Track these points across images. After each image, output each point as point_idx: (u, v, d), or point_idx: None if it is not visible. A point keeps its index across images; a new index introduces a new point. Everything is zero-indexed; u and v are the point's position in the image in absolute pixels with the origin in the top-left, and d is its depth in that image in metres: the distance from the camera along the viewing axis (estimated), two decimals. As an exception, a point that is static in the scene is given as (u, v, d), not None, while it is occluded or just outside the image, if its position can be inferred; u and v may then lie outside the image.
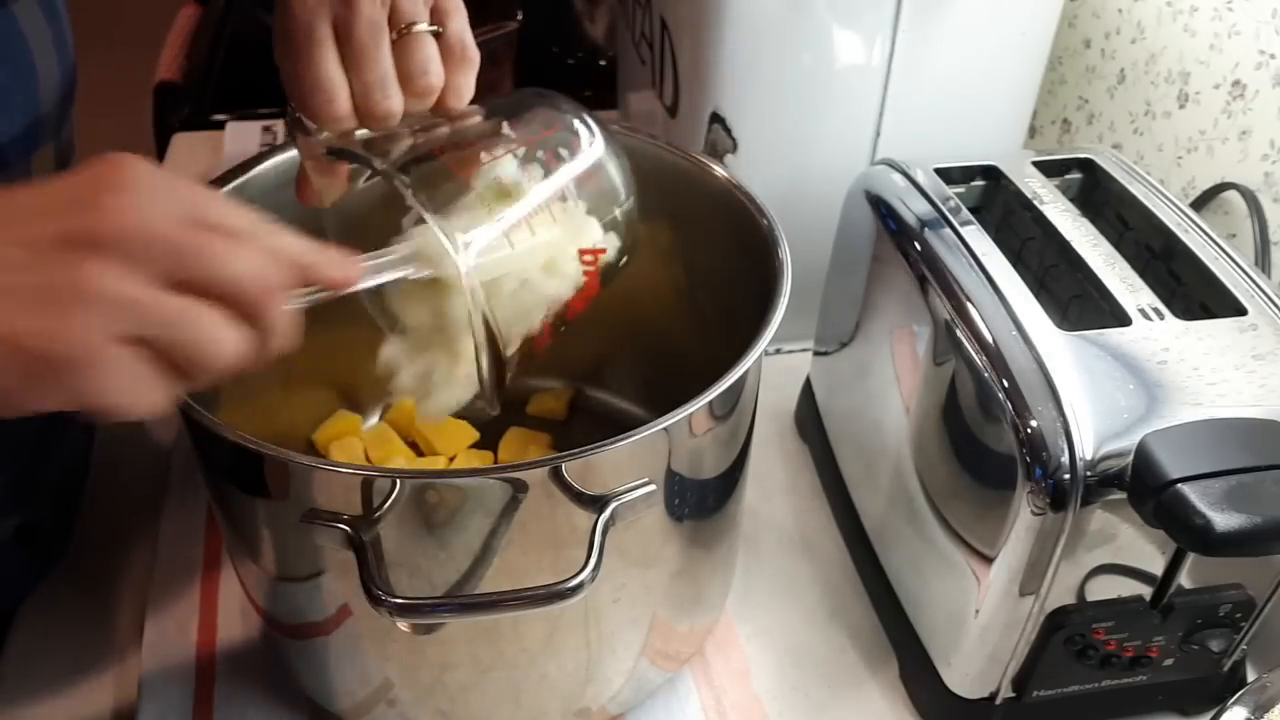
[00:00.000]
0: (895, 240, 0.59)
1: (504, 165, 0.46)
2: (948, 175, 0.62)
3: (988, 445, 0.50)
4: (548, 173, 0.47)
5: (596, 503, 0.43)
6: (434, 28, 0.47)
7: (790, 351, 0.82)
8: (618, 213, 0.49)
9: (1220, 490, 0.44)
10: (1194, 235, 0.57)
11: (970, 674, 0.55)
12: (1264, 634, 0.54)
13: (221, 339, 0.35)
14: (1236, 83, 0.70)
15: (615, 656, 0.53)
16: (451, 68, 0.47)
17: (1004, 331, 0.50)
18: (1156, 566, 0.51)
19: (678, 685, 0.60)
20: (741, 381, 0.47)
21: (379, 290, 0.47)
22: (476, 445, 0.68)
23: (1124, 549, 0.50)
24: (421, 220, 0.43)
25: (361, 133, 0.46)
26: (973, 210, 0.59)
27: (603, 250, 0.49)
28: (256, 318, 0.36)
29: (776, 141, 0.74)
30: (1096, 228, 0.57)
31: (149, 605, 0.62)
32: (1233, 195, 0.70)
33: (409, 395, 0.49)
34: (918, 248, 0.57)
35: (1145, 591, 0.52)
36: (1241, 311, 0.52)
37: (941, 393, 0.54)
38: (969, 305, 0.52)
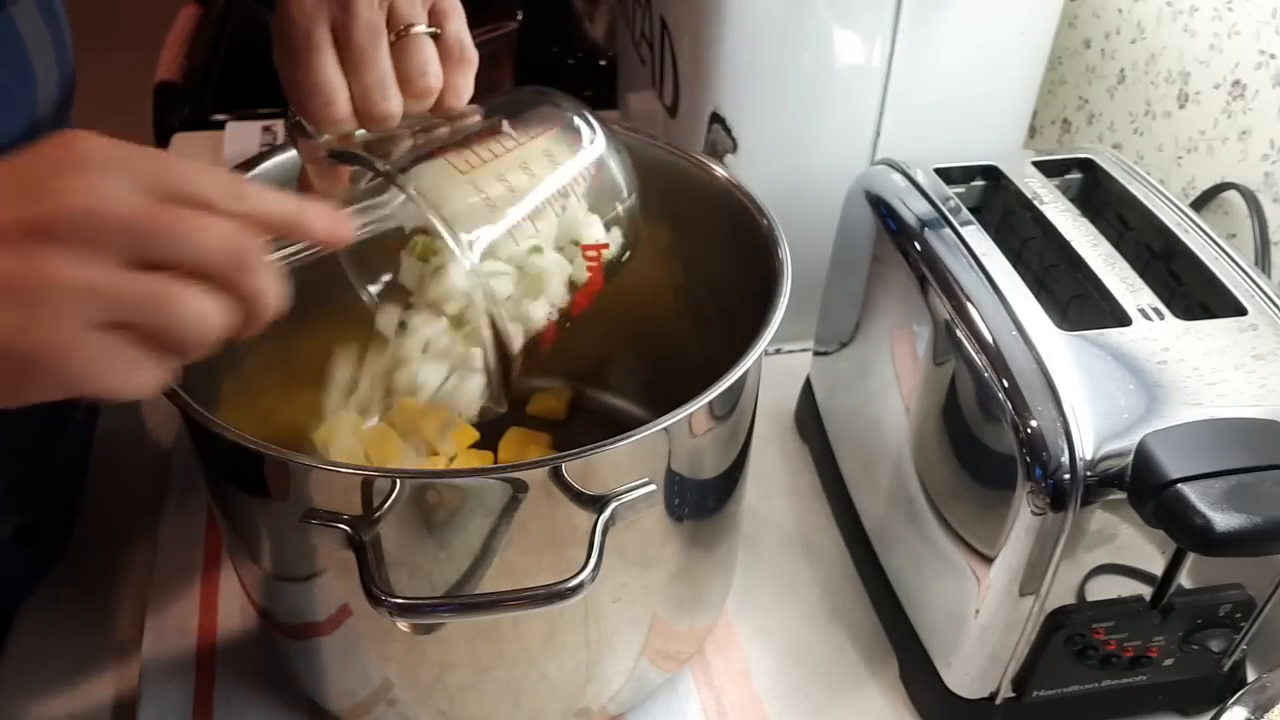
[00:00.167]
0: (895, 240, 0.59)
1: (505, 164, 0.46)
2: (948, 175, 0.62)
3: (988, 445, 0.50)
4: (549, 170, 0.47)
5: (596, 503, 0.43)
6: (432, 29, 0.47)
7: (790, 351, 0.82)
8: (620, 208, 0.49)
9: (1220, 490, 0.44)
10: (1194, 235, 0.57)
11: (970, 674, 0.55)
12: (1264, 634, 0.54)
13: (201, 313, 0.33)
14: (1236, 83, 0.70)
15: (615, 656, 0.53)
16: (450, 68, 0.47)
17: (1004, 331, 0.50)
18: (1156, 566, 0.51)
19: (678, 685, 0.60)
20: (741, 381, 0.47)
21: (383, 284, 0.47)
22: (476, 445, 0.68)
23: (1124, 549, 0.50)
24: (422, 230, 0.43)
25: (362, 134, 0.47)
26: (973, 210, 0.59)
27: (605, 245, 0.49)
28: (234, 286, 0.34)
29: (776, 141, 0.74)
30: (1096, 228, 0.57)
31: (149, 605, 0.62)
32: (1233, 195, 0.70)
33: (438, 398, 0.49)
34: (918, 248, 0.57)
35: (1145, 591, 0.52)
36: (1241, 311, 0.52)
37: (941, 393, 0.54)
38: (969, 305, 0.52)
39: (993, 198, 0.64)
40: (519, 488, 0.43)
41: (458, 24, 0.48)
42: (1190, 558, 0.50)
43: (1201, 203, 0.72)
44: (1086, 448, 0.46)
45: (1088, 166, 0.64)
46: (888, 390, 0.60)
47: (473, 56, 0.48)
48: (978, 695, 0.55)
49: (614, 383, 0.74)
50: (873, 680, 0.61)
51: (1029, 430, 0.47)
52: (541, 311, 0.47)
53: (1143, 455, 0.46)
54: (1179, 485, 0.44)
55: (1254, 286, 0.53)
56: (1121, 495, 0.46)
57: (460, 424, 0.64)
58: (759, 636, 0.63)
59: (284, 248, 0.38)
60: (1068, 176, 0.64)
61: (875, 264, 0.62)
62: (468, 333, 0.47)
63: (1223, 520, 0.43)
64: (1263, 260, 0.67)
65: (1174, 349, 0.49)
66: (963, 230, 0.57)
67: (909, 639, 0.59)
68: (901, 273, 0.58)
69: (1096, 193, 0.64)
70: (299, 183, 0.49)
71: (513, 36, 1.12)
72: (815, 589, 0.66)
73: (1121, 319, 0.51)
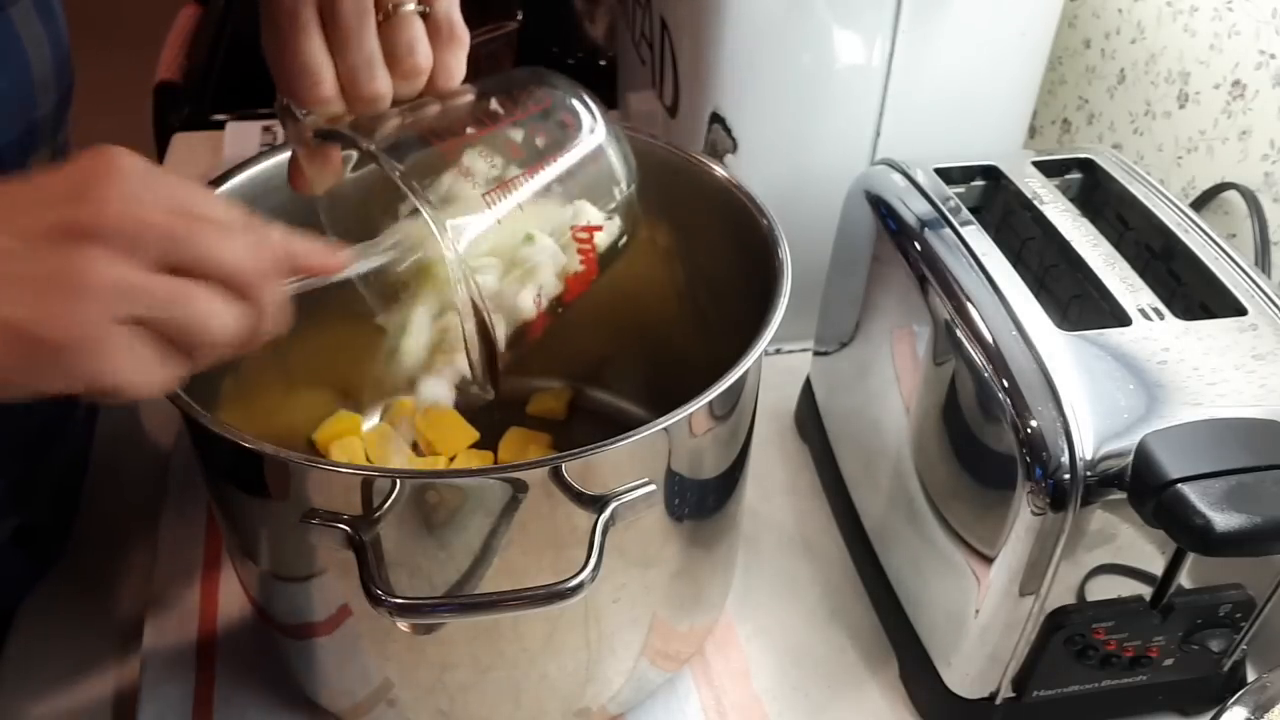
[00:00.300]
0: (895, 240, 0.59)
1: (494, 145, 0.45)
2: (948, 175, 0.62)
3: (988, 445, 0.50)
4: (542, 153, 0.46)
5: (596, 503, 0.43)
6: (421, 8, 0.46)
7: (790, 351, 0.82)
8: (616, 193, 0.48)
9: (1220, 490, 0.44)
10: (1194, 235, 0.57)
11: (970, 674, 0.55)
12: (1264, 634, 0.54)
13: (218, 317, 0.36)
14: (1236, 83, 0.70)
15: (615, 656, 0.53)
16: (440, 47, 0.47)
17: (1004, 331, 0.50)
18: (1156, 566, 0.51)
19: (678, 685, 0.60)
20: (741, 381, 0.47)
21: (374, 277, 0.46)
22: (476, 445, 0.68)
23: (1124, 549, 0.50)
24: (415, 209, 0.42)
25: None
26: (973, 210, 0.59)
27: (598, 228, 0.48)
28: (250, 297, 0.37)
29: (776, 141, 0.74)
30: (1096, 228, 0.57)
31: (149, 605, 0.62)
32: (1233, 195, 0.70)
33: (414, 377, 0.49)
34: (918, 248, 0.57)
35: (1145, 591, 0.52)
36: (1241, 311, 0.52)
37: (941, 393, 0.54)
38: (969, 305, 0.52)
39: (993, 198, 0.64)
40: (519, 488, 0.43)
41: (447, 2, 0.47)
42: (1190, 558, 0.50)
43: (1201, 203, 0.72)
44: (1086, 448, 0.46)
45: (1088, 166, 0.64)
46: (888, 390, 0.60)
47: (463, 35, 0.47)
48: (978, 695, 0.55)
49: (614, 383, 0.74)
50: (873, 680, 0.61)
51: (1029, 430, 0.47)
52: (529, 298, 0.46)
53: (1143, 455, 0.46)
54: (1179, 485, 0.44)
55: (1254, 286, 0.53)
56: (1121, 495, 0.46)
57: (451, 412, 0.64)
58: (759, 636, 0.63)
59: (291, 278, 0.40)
60: (1068, 176, 0.64)
61: (875, 264, 0.62)
62: (451, 318, 0.47)
63: (1223, 520, 0.43)
64: (1263, 260, 0.67)
65: (1174, 349, 0.49)
66: (963, 230, 0.57)
67: (909, 639, 0.59)
68: (901, 273, 0.58)
69: (1096, 193, 0.64)
70: (289, 169, 0.48)
71: (513, 36, 1.12)
72: (815, 589, 0.66)
73: (1121, 319, 0.51)
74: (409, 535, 0.44)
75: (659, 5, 0.78)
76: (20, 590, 0.65)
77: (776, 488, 0.73)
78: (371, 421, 0.71)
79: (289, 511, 0.44)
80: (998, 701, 0.55)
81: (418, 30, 0.46)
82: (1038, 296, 0.52)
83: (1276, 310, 0.52)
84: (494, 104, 0.47)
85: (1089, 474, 0.46)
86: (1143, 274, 0.54)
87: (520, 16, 1.13)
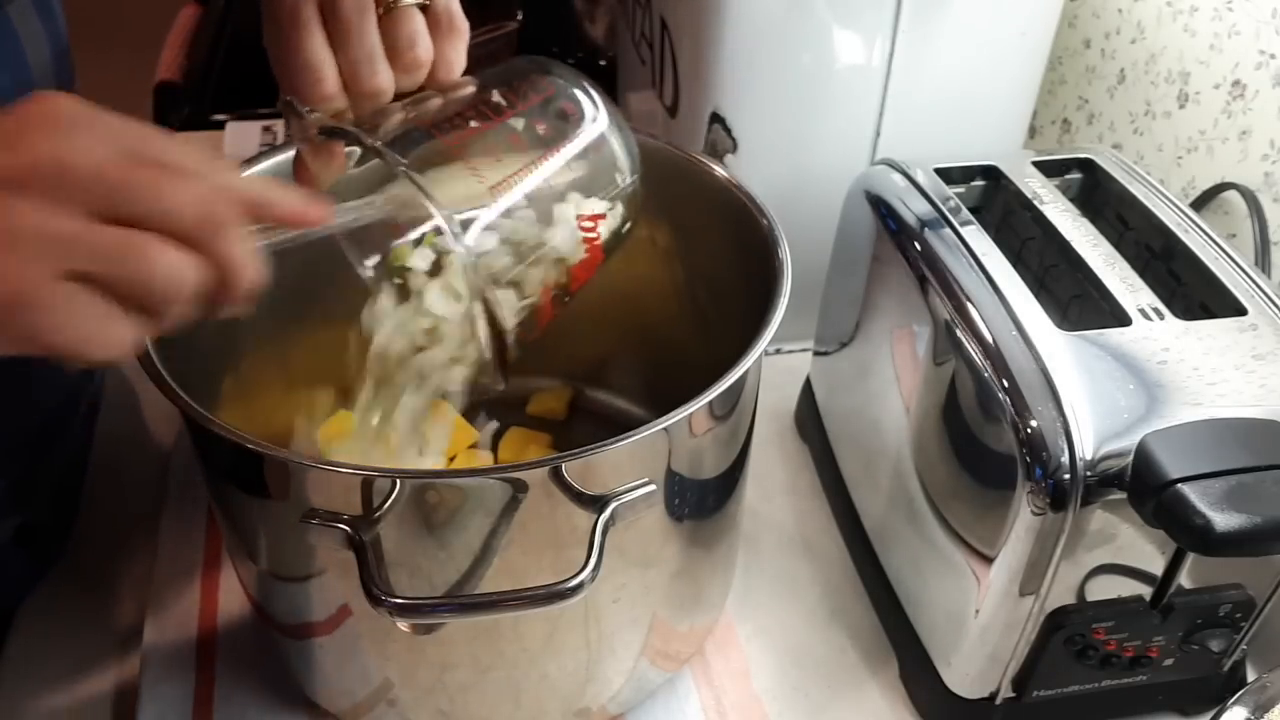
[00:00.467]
0: (895, 240, 0.59)
1: (497, 136, 0.45)
2: (948, 175, 0.62)
3: (988, 445, 0.50)
4: (544, 143, 0.46)
5: (596, 503, 0.43)
6: (421, 0, 0.46)
7: (790, 351, 0.82)
8: (619, 179, 0.48)
9: (1220, 490, 0.44)
10: (1194, 235, 0.57)
11: (970, 674, 0.55)
12: (1264, 634, 0.54)
13: (171, 270, 0.33)
14: (1236, 83, 0.70)
15: (615, 656, 0.53)
16: (440, 39, 0.47)
17: (1004, 331, 0.50)
18: (1156, 566, 0.51)
19: (678, 685, 0.60)
20: (741, 381, 0.47)
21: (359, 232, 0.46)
22: (476, 445, 0.68)
23: (1124, 549, 0.50)
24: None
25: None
26: (973, 210, 0.59)
27: (602, 216, 0.47)
28: (208, 249, 0.34)
29: (776, 141, 0.74)
30: (1096, 228, 0.57)
31: (149, 605, 0.62)
32: (1233, 195, 0.70)
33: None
34: (918, 248, 0.57)
35: (1145, 591, 0.52)
36: (1241, 311, 0.52)
37: (941, 393, 0.54)
38: (969, 305, 0.52)
39: (993, 198, 0.64)
40: (519, 488, 0.43)
41: None
42: (1190, 558, 0.50)
43: (1201, 203, 0.72)
44: (1086, 448, 0.46)
45: (1088, 166, 0.64)
46: (888, 390, 0.60)
47: (463, 26, 0.47)
48: (978, 695, 0.55)
49: (614, 383, 0.74)
50: (873, 680, 0.61)
51: (1029, 430, 0.47)
52: (536, 285, 0.46)
53: (1143, 455, 0.46)
54: (1179, 485, 0.44)
55: (1254, 286, 0.53)
56: (1121, 495, 0.46)
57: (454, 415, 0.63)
58: (759, 636, 0.63)
59: (266, 231, 0.38)
60: (1068, 176, 0.64)
61: (875, 264, 0.62)
62: (462, 311, 0.47)
63: (1223, 520, 0.43)
64: (1263, 260, 0.67)
65: (1174, 349, 0.49)
66: (963, 230, 0.57)
67: (909, 639, 0.59)
68: (901, 273, 0.58)
69: (1096, 193, 0.64)
70: (295, 167, 0.48)
71: (513, 36, 1.12)
72: (815, 589, 0.66)
73: (1121, 319, 0.51)
74: (409, 535, 0.44)
75: (659, 5, 0.78)
76: (21, 590, 0.65)
77: (776, 488, 0.73)
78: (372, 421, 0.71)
79: (289, 511, 0.44)
80: (998, 701, 0.55)
81: (418, 23, 0.46)
82: (1038, 296, 0.52)
83: (1276, 310, 0.52)
84: (496, 95, 0.46)
85: (1089, 474, 0.46)
86: (1143, 274, 0.54)
87: (520, 16, 1.13)
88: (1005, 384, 0.49)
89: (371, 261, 0.48)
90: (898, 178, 0.62)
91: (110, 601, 0.65)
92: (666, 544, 0.51)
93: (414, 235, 0.47)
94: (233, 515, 0.51)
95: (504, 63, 0.50)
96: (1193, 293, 0.56)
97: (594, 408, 0.74)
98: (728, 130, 0.73)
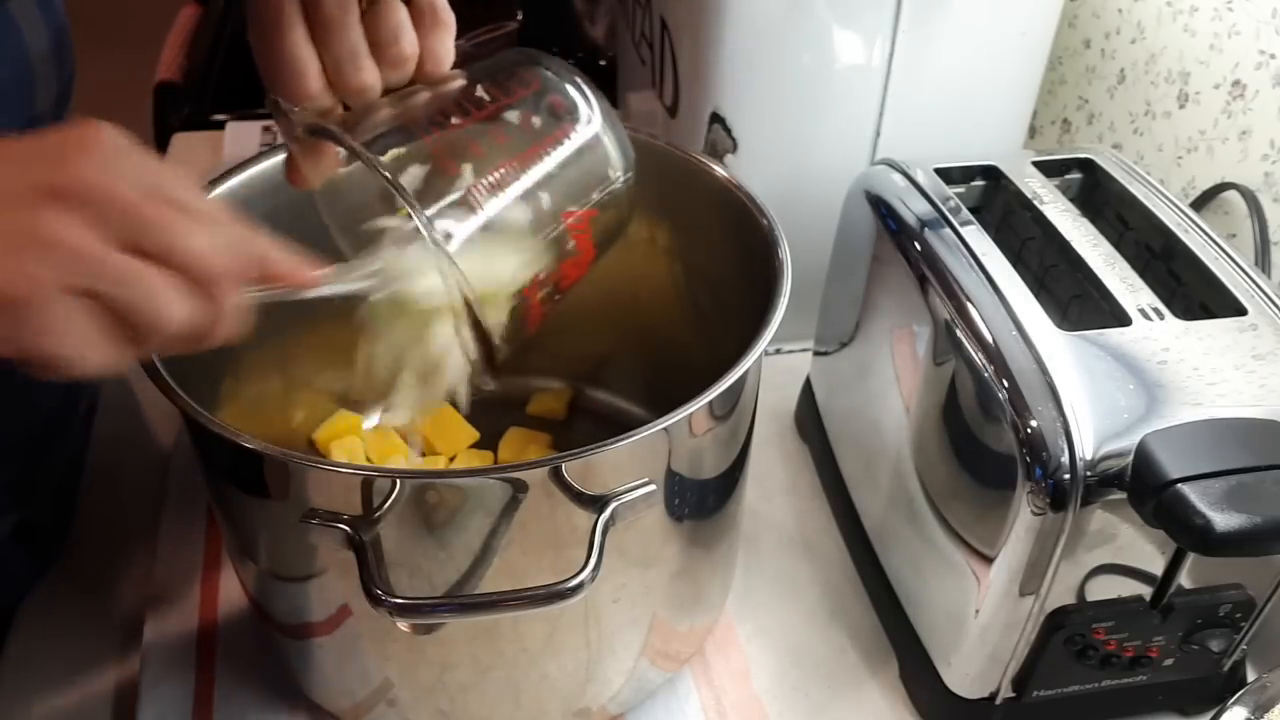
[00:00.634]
0: (895, 240, 0.59)
1: (484, 134, 0.44)
2: (948, 175, 0.62)
3: (988, 445, 0.50)
4: (533, 139, 0.45)
5: (596, 503, 0.43)
6: None
7: (790, 351, 0.82)
8: (611, 174, 0.48)
9: (1220, 490, 0.44)
10: (1194, 235, 0.57)
11: (970, 674, 0.55)
12: (1264, 634, 0.54)
13: (170, 307, 0.35)
14: (1236, 83, 0.70)
15: (615, 656, 0.53)
16: (424, 33, 0.46)
17: (1004, 331, 0.50)
18: (1156, 566, 0.51)
19: (678, 685, 0.60)
20: (741, 381, 0.47)
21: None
22: (476, 445, 0.68)
23: (1124, 549, 0.50)
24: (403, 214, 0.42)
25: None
26: (973, 210, 0.59)
27: (594, 213, 0.47)
28: (208, 295, 0.36)
29: (776, 141, 0.74)
30: (1096, 228, 0.57)
31: (149, 605, 0.62)
32: (1233, 195, 0.70)
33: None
34: (918, 248, 0.57)
35: (1145, 591, 0.52)
36: (1241, 311, 0.52)
37: (941, 393, 0.54)
38: (969, 305, 0.52)
39: (993, 198, 0.64)
40: (519, 488, 0.43)
41: None
42: (1190, 558, 0.50)
43: (1201, 203, 0.72)
44: (1086, 448, 0.46)
45: (1088, 166, 0.64)
46: (888, 390, 0.60)
47: (448, 19, 0.47)
48: (978, 695, 0.55)
49: (614, 383, 0.74)
50: (873, 680, 0.61)
51: (1029, 430, 0.47)
52: (519, 287, 0.45)
53: (1143, 455, 0.46)
54: (1179, 485, 0.44)
55: (1254, 286, 0.53)
56: (1121, 495, 0.46)
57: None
58: (759, 636, 0.63)
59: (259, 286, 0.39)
60: (1068, 176, 0.64)
61: (875, 264, 0.62)
62: (445, 310, 0.46)
63: (1223, 520, 0.43)
64: (1263, 260, 0.67)
65: (1174, 349, 0.49)
66: (963, 230, 0.57)
67: (909, 639, 0.59)
68: (901, 273, 0.58)
69: (1096, 193, 0.64)
70: (286, 165, 0.48)
71: (513, 36, 1.12)
72: (815, 589, 0.66)
73: (1121, 319, 0.51)
74: (409, 535, 0.44)
75: (659, 5, 0.78)
76: (21, 588, 0.65)
77: (776, 488, 0.73)
78: (371, 421, 0.71)
79: (289, 511, 0.44)
80: (998, 701, 0.55)
81: (402, 17, 0.45)
82: (1038, 296, 0.52)
83: (1276, 310, 0.52)
84: (484, 91, 0.46)
85: (1089, 474, 0.46)
86: (1143, 274, 0.54)
87: (520, 16, 1.13)
88: (1005, 384, 0.49)
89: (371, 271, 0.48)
90: (898, 178, 0.62)
91: (110, 601, 0.65)
92: (666, 544, 0.51)
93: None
94: (233, 515, 0.51)
95: (494, 56, 0.49)
96: (1193, 293, 0.56)
97: (594, 408, 0.74)
98: (728, 130, 0.73)
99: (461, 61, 0.48)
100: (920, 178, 0.61)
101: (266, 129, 1.08)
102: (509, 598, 0.43)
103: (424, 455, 0.68)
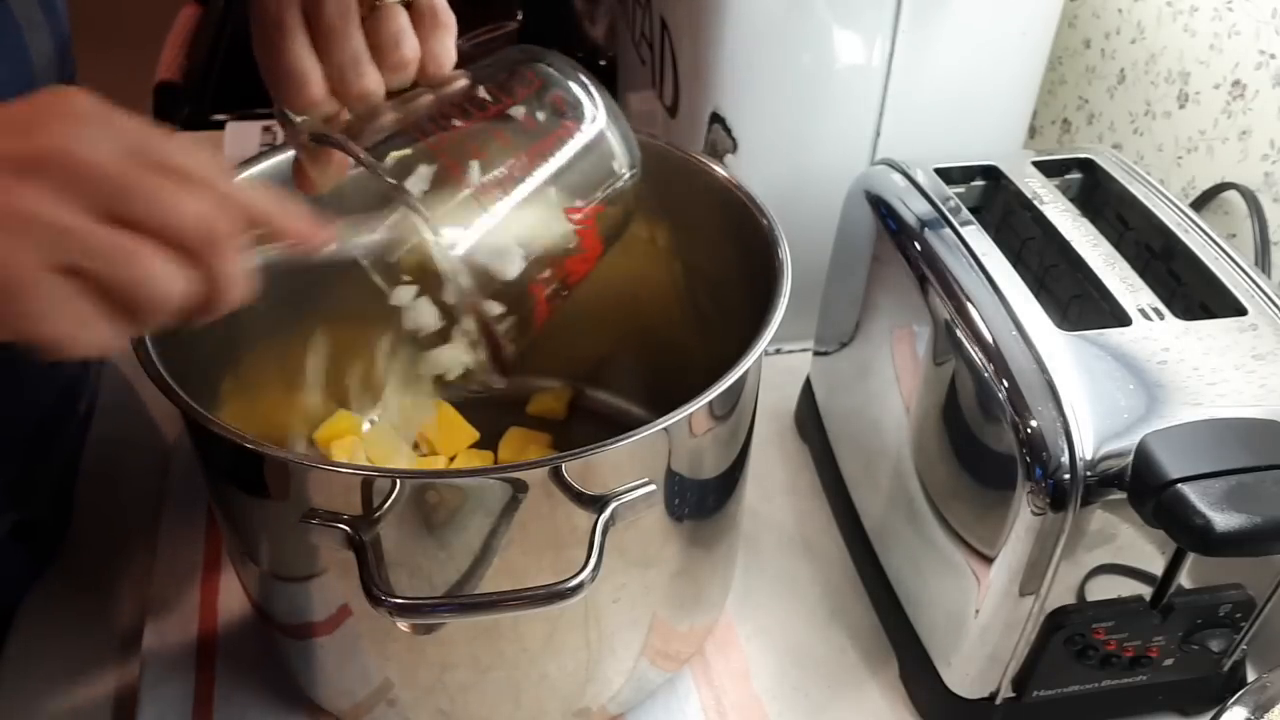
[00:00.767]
0: (895, 240, 0.59)
1: (487, 136, 0.44)
2: (948, 175, 0.62)
3: (988, 445, 0.50)
4: (537, 138, 0.45)
5: (596, 503, 0.43)
6: None
7: (790, 351, 0.82)
8: (616, 169, 0.48)
9: (1220, 490, 0.44)
10: (1194, 235, 0.57)
11: (970, 674, 0.55)
12: (1264, 634, 0.54)
13: (163, 279, 0.33)
14: (1236, 83, 0.70)
15: (615, 656, 0.53)
16: (425, 35, 0.46)
17: (1004, 331, 0.50)
18: (1156, 566, 0.51)
19: (678, 685, 0.60)
20: (741, 381, 0.47)
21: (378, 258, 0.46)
22: (476, 445, 0.68)
23: (1124, 549, 0.50)
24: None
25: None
26: (973, 210, 0.59)
27: (600, 209, 0.47)
28: (202, 262, 0.34)
29: (776, 141, 0.74)
30: (1096, 228, 0.57)
31: (149, 605, 0.62)
32: (1233, 195, 0.70)
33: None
34: (918, 248, 0.57)
35: (1145, 591, 0.52)
36: (1241, 311, 0.52)
37: (941, 393, 0.54)
38: (969, 305, 0.52)
39: (993, 198, 0.64)
40: (519, 488, 0.43)
41: None
42: (1190, 558, 0.50)
43: (1201, 203, 0.72)
44: (1086, 448, 0.46)
45: (1088, 166, 0.64)
46: (888, 390, 0.60)
47: (448, 21, 0.47)
48: (978, 695, 0.55)
49: (614, 383, 0.74)
50: (873, 680, 0.61)
51: (1029, 430, 0.47)
52: (526, 285, 0.45)
53: (1143, 455, 0.46)
54: (1179, 485, 0.44)
55: (1254, 286, 0.53)
56: (1121, 495, 0.46)
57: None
58: (759, 636, 0.63)
59: (263, 245, 0.38)
60: (1068, 176, 0.64)
61: (875, 264, 0.62)
62: (452, 309, 0.46)
63: (1223, 520, 0.43)
64: (1263, 260, 0.67)
65: (1174, 349, 0.49)
66: (963, 230, 0.57)
67: (909, 639, 0.59)
68: (901, 273, 0.58)
69: (1096, 193, 0.64)
70: (294, 171, 0.48)
71: (513, 36, 1.12)
72: (815, 589, 0.66)
73: (1121, 319, 0.51)
74: (409, 535, 0.44)
75: (659, 5, 0.78)
76: (20, 587, 0.65)
77: (776, 488, 0.73)
78: (371, 421, 0.71)
79: (289, 511, 0.44)
80: (998, 701, 0.55)
81: (403, 21, 0.45)
82: (1038, 296, 0.52)
83: (1276, 310, 0.52)
84: (486, 91, 0.46)
85: (1089, 474, 0.46)
86: (1143, 274, 0.54)
87: (520, 16, 1.13)
88: (1005, 384, 0.49)
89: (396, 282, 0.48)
90: (898, 178, 0.62)
91: (110, 602, 0.65)
92: (666, 544, 0.51)
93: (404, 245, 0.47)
94: (233, 515, 0.51)
95: (496, 55, 0.49)
96: (1193, 293, 0.56)
97: (594, 408, 0.74)
98: (728, 130, 0.73)
99: (462, 61, 0.48)
100: (920, 178, 0.61)
101: (267, 129, 1.08)
102: (509, 598, 0.43)
103: (423, 454, 0.68)
